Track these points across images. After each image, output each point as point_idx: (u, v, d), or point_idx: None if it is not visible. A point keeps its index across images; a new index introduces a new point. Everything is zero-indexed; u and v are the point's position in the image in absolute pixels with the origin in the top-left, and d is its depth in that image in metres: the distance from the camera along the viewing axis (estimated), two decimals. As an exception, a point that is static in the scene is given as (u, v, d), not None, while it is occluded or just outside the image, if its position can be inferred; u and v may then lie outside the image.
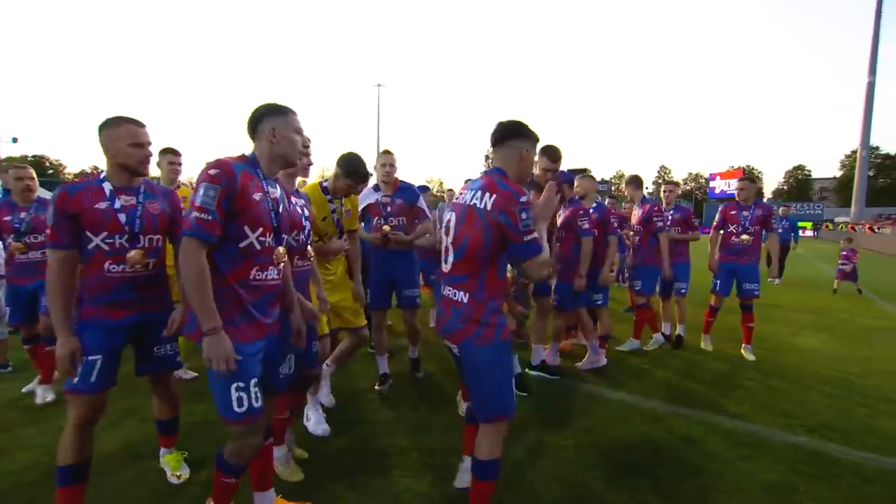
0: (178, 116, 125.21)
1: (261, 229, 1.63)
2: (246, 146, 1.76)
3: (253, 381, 1.61)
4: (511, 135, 1.82)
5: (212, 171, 1.53)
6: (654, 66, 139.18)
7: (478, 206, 1.72)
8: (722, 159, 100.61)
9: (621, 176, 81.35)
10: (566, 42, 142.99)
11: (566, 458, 2.55)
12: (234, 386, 1.56)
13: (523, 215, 1.64)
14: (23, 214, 3.17)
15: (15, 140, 39.23)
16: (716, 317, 4.68)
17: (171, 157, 3.58)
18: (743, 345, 4.50)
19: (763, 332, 5.41)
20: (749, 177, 4.56)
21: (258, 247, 1.63)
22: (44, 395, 3.14)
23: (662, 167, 79.85)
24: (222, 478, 1.73)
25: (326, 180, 2.93)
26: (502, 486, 2.15)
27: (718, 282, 4.50)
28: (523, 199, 1.65)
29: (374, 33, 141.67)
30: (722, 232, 4.53)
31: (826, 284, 9.38)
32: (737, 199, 4.50)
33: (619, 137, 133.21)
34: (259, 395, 1.63)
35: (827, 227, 40.63)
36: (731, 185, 54.82)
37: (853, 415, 3.18)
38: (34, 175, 3.30)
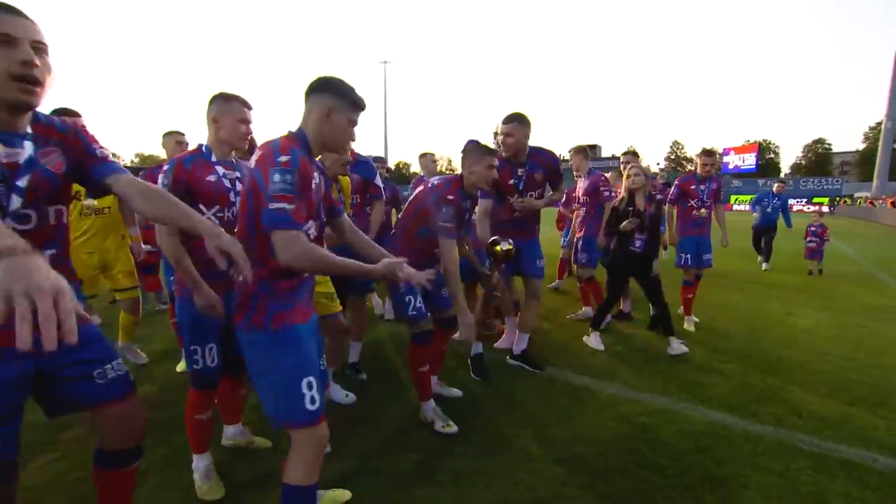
0: (181, 94, 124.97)
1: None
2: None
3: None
4: (317, 88, 1.51)
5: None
6: (666, 38, 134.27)
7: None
8: (737, 133, 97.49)
9: (634, 152, 79.23)
10: (577, 14, 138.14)
11: (518, 448, 2.40)
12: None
13: (276, 177, 1.34)
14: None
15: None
16: (694, 291, 4.58)
17: (178, 136, 3.58)
18: (685, 317, 4.54)
19: (758, 311, 5.18)
20: (710, 150, 4.54)
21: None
22: None
23: (675, 142, 77.60)
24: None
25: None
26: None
27: (687, 255, 4.50)
28: (282, 158, 1.36)
29: (380, 9, 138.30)
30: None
31: (831, 262, 8.96)
32: (700, 173, 4.51)
33: (631, 113, 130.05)
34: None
35: (845, 202, 39.24)
36: (745, 160, 53.29)
37: (829, 405, 2.96)
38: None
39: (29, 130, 1.20)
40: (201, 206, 1.87)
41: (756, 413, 2.79)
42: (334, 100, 1.50)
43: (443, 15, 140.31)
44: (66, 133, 1.27)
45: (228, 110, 1.95)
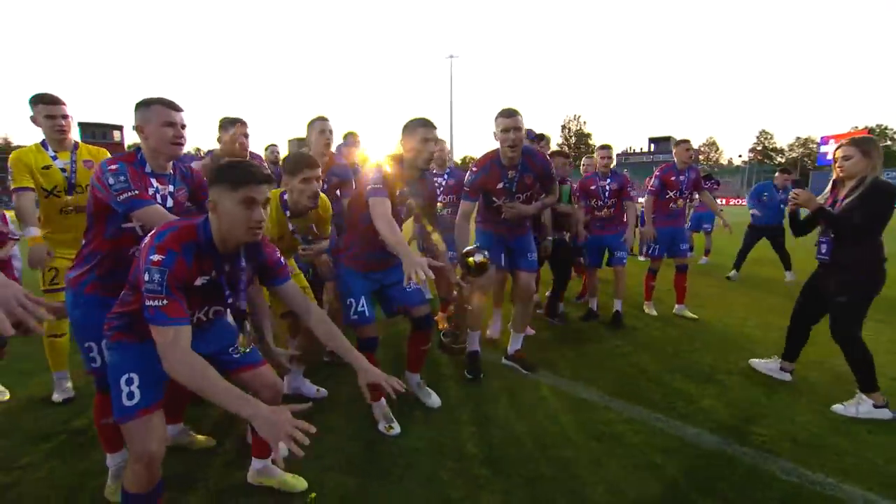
0: (249, 92, 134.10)
1: None
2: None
3: None
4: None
5: None
6: (749, 15, 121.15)
7: None
8: (839, 120, 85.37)
9: (712, 143, 73.17)
10: (646, 2, 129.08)
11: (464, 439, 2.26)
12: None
13: (145, 276, 1.37)
14: None
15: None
16: (684, 282, 4.54)
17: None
18: (676, 305, 4.57)
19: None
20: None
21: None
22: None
23: (763, 132, 70.36)
24: None
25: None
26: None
27: (658, 246, 4.47)
28: (154, 257, 1.37)
29: (445, 4, 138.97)
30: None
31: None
32: (677, 163, 4.41)
33: (713, 100, 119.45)
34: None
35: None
36: (848, 150, 46.85)
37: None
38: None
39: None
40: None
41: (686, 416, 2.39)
42: (215, 190, 1.48)
43: (508, 12, 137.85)
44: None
45: (150, 116, 1.80)
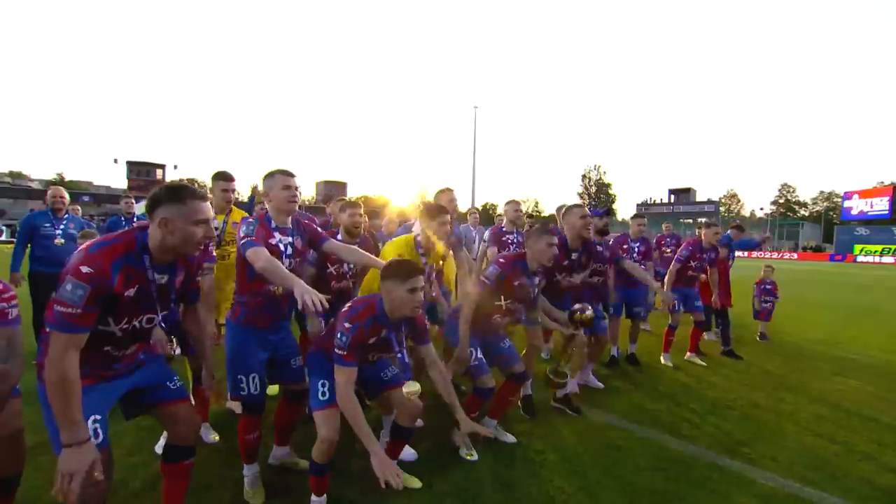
0: (278, 142, 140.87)
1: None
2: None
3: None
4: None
5: None
6: (771, 69, 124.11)
7: None
8: (863, 175, 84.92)
9: (733, 195, 73.42)
10: (666, 55, 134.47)
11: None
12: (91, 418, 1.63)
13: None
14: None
15: (175, 167, 48.01)
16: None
17: (223, 183, 3.31)
18: (688, 353, 5.19)
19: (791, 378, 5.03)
20: (710, 223, 5.15)
21: None
22: None
23: (784, 185, 70.48)
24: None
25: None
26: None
27: (675, 302, 4.94)
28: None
29: (471, 57, 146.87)
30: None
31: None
32: (704, 243, 5.05)
33: (730, 153, 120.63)
34: None
35: None
36: (873, 206, 46.58)
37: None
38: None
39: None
40: None
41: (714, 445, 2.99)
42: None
43: (533, 61, 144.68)
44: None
45: (273, 184, 2.30)
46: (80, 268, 1.46)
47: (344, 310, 2.16)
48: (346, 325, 2.08)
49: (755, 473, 2.73)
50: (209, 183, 3.37)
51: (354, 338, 2.06)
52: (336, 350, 2.07)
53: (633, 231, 5.17)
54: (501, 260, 3.01)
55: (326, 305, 1.85)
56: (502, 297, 2.93)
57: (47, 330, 1.50)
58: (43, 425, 1.58)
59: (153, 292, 1.67)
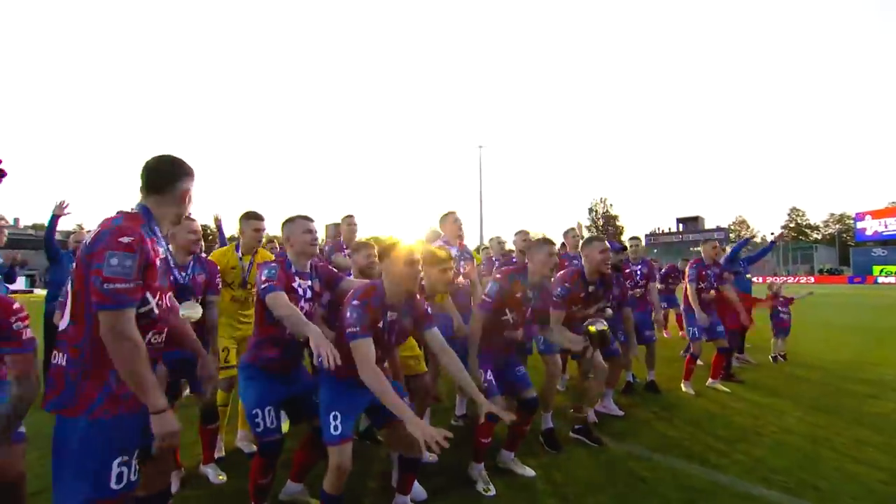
0: (285, 181, 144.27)
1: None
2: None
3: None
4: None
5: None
6: (776, 94, 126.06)
7: None
8: (873, 195, 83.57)
9: (742, 222, 72.98)
10: (670, 79, 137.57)
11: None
12: (115, 461, 1.46)
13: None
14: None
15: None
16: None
17: (255, 223, 3.23)
18: (710, 380, 5.02)
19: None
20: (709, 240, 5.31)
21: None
22: None
23: (793, 209, 70.02)
24: None
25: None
26: None
27: (697, 328, 4.93)
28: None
29: (476, 96, 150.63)
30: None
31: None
32: (705, 259, 5.08)
33: (739, 178, 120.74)
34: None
35: None
36: (887, 226, 45.88)
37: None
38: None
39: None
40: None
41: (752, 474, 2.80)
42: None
43: (536, 97, 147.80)
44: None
45: (294, 229, 2.36)
46: (119, 239, 1.37)
47: (349, 296, 2.19)
48: (355, 302, 2.11)
49: None
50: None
51: (364, 312, 2.09)
52: (349, 329, 2.06)
53: (630, 254, 4.99)
54: (498, 275, 3.06)
55: (339, 362, 1.84)
56: (507, 311, 2.91)
57: (96, 312, 1.36)
58: (43, 471, 1.53)
59: (169, 261, 1.72)
